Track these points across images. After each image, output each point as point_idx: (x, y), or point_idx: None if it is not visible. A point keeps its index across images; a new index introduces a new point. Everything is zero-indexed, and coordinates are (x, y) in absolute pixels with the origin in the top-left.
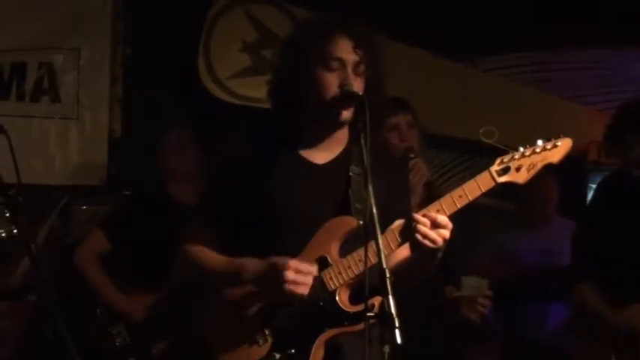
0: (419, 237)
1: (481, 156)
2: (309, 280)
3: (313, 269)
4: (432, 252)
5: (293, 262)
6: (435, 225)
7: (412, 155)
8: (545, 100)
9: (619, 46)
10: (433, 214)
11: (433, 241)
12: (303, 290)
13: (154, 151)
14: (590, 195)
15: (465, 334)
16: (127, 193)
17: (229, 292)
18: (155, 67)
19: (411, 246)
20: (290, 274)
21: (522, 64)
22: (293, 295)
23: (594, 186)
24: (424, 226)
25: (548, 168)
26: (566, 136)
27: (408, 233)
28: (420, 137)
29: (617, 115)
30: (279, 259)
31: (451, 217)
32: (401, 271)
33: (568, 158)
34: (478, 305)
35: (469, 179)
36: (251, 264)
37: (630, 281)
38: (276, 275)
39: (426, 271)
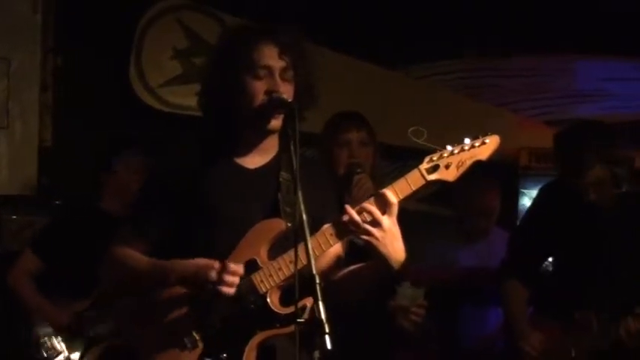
0: (353, 230)
1: (414, 162)
2: (236, 280)
3: (240, 269)
4: (378, 252)
5: (219, 263)
6: (371, 218)
7: (359, 170)
8: (476, 106)
9: (550, 53)
10: (369, 206)
11: (369, 234)
12: (229, 290)
13: (85, 160)
14: (521, 200)
15: (400, 341)
16: (57, 202)
17: (156, 296)
18: (86, 75)
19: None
20: (217, 275)
21: (454, 70)
22: (220, 295)
23: (525, 191)
24: (357, 219)
25: (492, 182)
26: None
27: (341, 230)
28: (374, 155)
29: (571, 135)
30: (206, 260)
31: None
32: (350, 280)
33: (500, 164)
34: (412, 315)
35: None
36: (178, 265)
37: (562, 285)
38: (203, 275)
39: (376, 280)
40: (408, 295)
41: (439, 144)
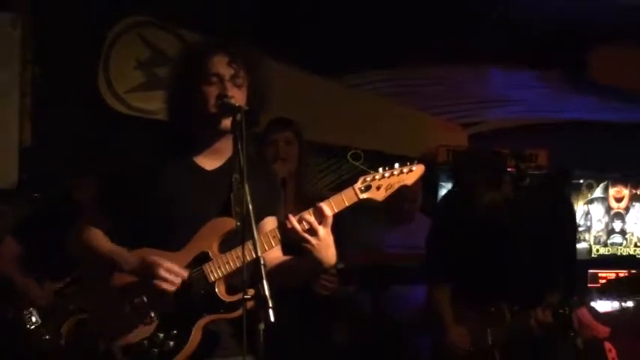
0: (293, 236)
1: (347, 160)
2: (178, 280)
3: (184, 272)
4: (312, 256)
5: (166, 263)
6: (308, 227)
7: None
8: (401, 110)
9: (463, 64)
10: (308, 216)
11: (306, 240)
12: (169, 287)
13: (59, 158)
14: (440, 191)
15: (325, 312)
16: (35, 195)
17: (117, 278)
18: (61, 83)
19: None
20: (161, 272)
21: (382, 79)
22: (160, 290)
23: (443, 184)
24: (297, 228)
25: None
26: (418, 145)
27: (282, 235)
28: (300, 152)
29: (465, 166)
30: (154, 257)
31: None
32: (285, 271)
33: (421, 160)
34: (323, 281)
35: (338, 182)
36: (129, 257)
37: (478, 282)
38: (148, 270)
39: (307, 275)
40: None
41: (371, 143)
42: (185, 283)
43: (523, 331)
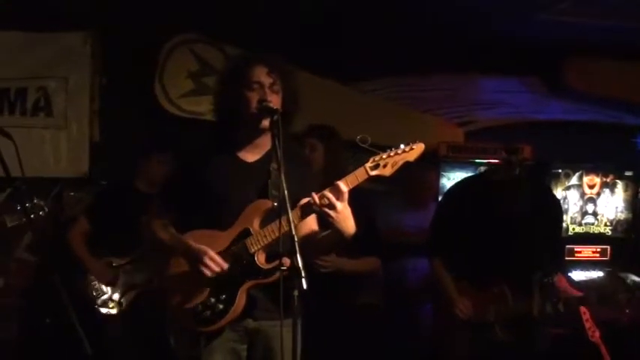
0: (316, 210)
1: (361, 153)
2: (217, 269)
3: (224, 264)
4: (334, 227)
5: (211, 253)
6: (328, 202)
7: None
8: (408, 112)
9: (459, 73)
10: (327, 193)
11: (327, 214)
12: (209, 273)
13: (122, 152)
14: (441, 180)
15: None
16: (103, 183)
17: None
18: (123, 90)
19: (319, 222)
20: (205, 259)
21: (392, 85)
22: (202, 273)
23: (444, 174)
24: (318, 203)
25: (431, 165)
26: (421, 140)
27: (308, 209)
28: (325, 155)
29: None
30: (202, 247)
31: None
32: (315, 244)
33: (425, 154)
34: (320, 261)
35: (352, 170)
36: (183, 244)
37: (474, 262)
38: (195, 257)
39: (334, 245)
40: None
41: (381, 139)
42: (230, 260)
43: (523, 315)
